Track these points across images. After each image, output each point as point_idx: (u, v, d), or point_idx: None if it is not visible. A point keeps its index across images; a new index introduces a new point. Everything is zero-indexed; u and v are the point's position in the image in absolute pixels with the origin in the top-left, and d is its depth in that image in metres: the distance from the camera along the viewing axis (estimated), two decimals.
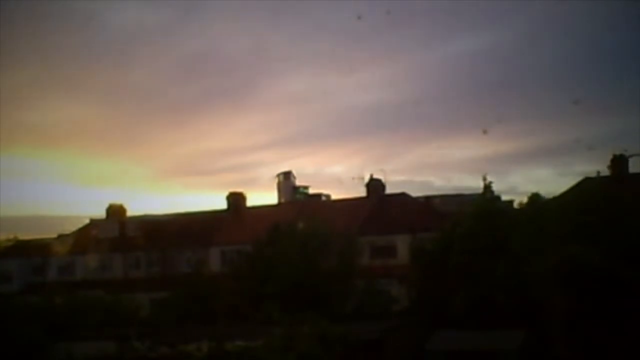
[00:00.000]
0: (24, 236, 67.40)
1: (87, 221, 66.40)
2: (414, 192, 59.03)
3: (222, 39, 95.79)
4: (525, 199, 43.37)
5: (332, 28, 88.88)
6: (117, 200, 66.66)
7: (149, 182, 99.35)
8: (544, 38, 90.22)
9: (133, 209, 66.26)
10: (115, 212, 65.69)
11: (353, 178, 61.19)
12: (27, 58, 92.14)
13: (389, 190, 58.23)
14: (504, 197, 49.25)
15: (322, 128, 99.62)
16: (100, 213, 66.64)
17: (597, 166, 50.47)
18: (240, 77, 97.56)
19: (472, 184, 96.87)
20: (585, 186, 45.26)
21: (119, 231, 63.30)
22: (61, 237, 65.29)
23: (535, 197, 42.78)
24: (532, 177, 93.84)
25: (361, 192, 58.67)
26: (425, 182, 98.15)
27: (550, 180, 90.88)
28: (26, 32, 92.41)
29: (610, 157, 48.51)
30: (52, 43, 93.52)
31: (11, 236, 66.95)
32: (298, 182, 66.17)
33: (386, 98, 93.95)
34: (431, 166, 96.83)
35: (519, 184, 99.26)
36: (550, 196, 44.59)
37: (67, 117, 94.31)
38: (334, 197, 64.25)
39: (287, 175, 65.90)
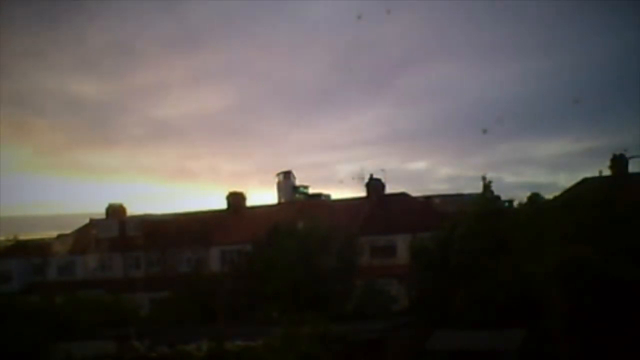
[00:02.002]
0: (26, 236, 67.64)
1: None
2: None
3: (380, 33, 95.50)
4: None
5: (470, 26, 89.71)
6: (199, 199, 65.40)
7: (231, 179, 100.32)
8: None
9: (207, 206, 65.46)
10: (115, 211, 65.67)
11: (353, 178, 61.16)
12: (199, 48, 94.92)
13: (463, 186, 57.50)
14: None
15: (425, 124, 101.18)
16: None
17: None
18: (378, 71, 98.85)
19: (543, 179, 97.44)
20: (585, 186, 45.29)
21: (118, 231, 63.31)
22: (61, 236, 65.33)
23: (535, 197, 42.77)
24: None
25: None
26: (496, 178, 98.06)
27: None
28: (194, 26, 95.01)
29: None
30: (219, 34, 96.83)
31: (11, 236, 67.02)
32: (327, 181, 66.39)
33: (492, 96, 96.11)
34: (507, 162, 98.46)
35: None
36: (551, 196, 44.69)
37: (191, 111, 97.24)
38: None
39: (287, 175, 65.93)
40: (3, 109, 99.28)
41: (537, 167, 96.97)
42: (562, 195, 45.71)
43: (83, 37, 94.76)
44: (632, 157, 49.59)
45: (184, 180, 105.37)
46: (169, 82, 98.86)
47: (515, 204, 46.29)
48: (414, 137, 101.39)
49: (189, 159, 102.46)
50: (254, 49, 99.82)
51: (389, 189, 58.62)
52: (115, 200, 66.82)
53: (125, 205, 66.90)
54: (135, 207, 70.74)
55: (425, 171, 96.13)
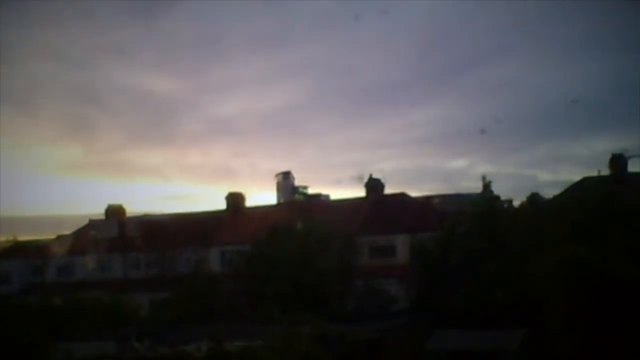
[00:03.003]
0: (26, 237, 67.67)
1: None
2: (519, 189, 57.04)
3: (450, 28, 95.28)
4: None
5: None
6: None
7: (268, 178, 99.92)
8: None
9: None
10: (115, 212, 65.58)
11: (352, 178, 60.99)
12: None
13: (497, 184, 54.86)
14: None
15: (467, 124, 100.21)
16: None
17: None
18: (434, 67, 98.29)
19: (577, 177, 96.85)
20: (584, 186, 45.30)
21: (118, 231, 63.24)
22: (60, 237, 65.27)
23: (535, 197, 42.80)
24: None
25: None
26: (530, 175, 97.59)
27: None
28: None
29: None
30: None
31: (11, 237, 67.01)
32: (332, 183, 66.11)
33: (534, 96, 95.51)
34: (544, 160, 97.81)
35: None
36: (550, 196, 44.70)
37: (251, 109, 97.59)
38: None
39: (286, 175, 65.86)
40: (69, 105, 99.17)
41: (573, 166, 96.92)
42: (561, 195, 45.72)
43: (169, 33, 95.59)
44: (632, 156, 49.65)
45: (224, 180, 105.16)
46: (240, 79, 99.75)
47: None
48: (455, 136, 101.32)
49: (234, 158, 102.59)
50: (327, 47, 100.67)
51: (424, 189, 58.50)
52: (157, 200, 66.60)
53: (131, 205, 66.94)
54: (171, 208, 69.72)
55: (462, 169, 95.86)
